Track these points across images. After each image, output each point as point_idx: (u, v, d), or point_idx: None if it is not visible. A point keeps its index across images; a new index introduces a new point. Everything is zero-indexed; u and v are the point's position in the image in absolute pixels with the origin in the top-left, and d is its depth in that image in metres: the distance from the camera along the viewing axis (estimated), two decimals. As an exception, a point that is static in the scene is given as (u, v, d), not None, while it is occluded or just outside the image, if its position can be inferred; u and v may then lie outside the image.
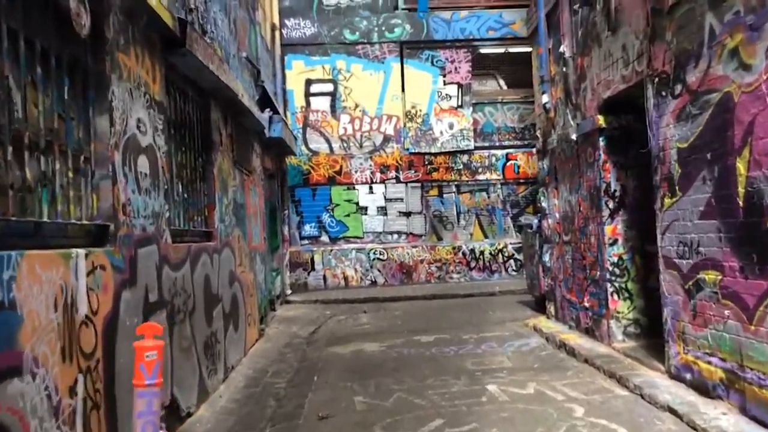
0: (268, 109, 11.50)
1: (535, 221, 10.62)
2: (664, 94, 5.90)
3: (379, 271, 15.74)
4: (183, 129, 6.70)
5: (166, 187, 5.70)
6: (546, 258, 9.92)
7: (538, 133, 10.11)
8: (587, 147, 7.92)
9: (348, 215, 16.00)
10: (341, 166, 15.99)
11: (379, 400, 6.31)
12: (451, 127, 16.13)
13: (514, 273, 15.79)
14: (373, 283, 15.71)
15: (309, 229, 15.94)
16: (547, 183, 9.71)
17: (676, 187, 5.73)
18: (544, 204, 9.94)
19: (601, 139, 7.54)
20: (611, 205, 7.53)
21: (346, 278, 15.70)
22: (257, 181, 11.04)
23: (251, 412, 6.24)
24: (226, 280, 7.98)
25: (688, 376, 5.63)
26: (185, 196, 6.72)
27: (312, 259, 15.66)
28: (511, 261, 15.85)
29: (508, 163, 16.19)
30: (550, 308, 9.83)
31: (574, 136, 8.28)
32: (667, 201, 5.92)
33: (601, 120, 7.48)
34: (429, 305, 13.21)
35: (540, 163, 10.11)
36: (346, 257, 15.71)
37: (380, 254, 15.76)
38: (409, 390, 6.59)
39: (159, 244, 5.42)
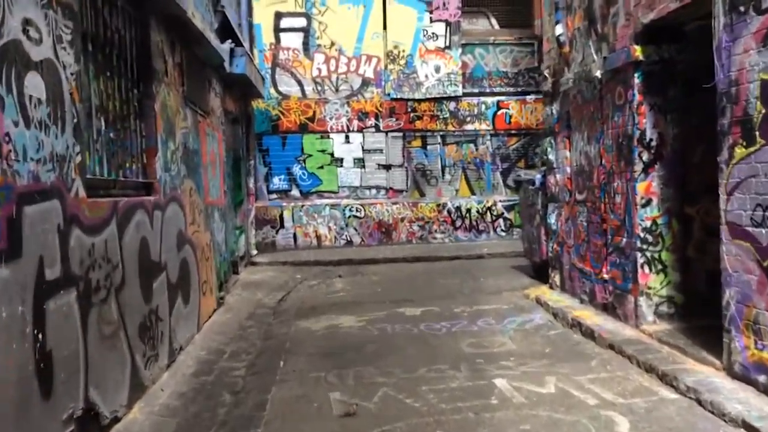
0: (229, 41, 9.85)
1: (538, 176, 9.26)
2: (742, 9, 4.48)
3: (355, 229, 14.32)
4: (109, 48, 5.11)
5: (76, 120, 4.17)
6: (551, 219, 8.59)
7: (545, 73, 8.65)
8: (616, 86, 6.50)
9: (321, 167, 14.46)
10: (314, 112, 14.36)
11: (361, 399, 4.99)
12: (437, 70, 14.55)
13: (503, 234, 14.50)
14: (349, 242, 14.30)
15: (278, 182, 14.37)
16: (557, 132, 8.31)
17: (756, 133, 4.37)
18: (550, 156, 8.56)
19: (636, 75, 6.12)
20: (645, 157, 6.17)
21: (318, 237, 14.25)
22: (216, 124, 9.46)
23: (198, 414, 4.89)
24: (172, 242, 6.51)
25: (762, 378, 4.37)
26: (112, 136, 5.19)
27: (281, 216, 14.14)
28: (500, 220, 14.53)
29: (499, 112, 14.70)
30: (555, 277, 8.56)
31: (598, 73, 6.85)
32: (739, 151, 4.56)
33: (638, 51, 6.05)
34: (412, 269, 11.89)
35: (547, 109, 8.69)
36: (319, 214, 14.23)
37: (357, 211, 14.31)
38: (398, 385, 5.28)
39: (64, 199, 3.93)
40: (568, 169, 7.97)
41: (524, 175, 9.92)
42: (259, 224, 13.95)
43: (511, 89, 14.80)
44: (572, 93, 7.71)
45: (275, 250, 13.96)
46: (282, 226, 14.14)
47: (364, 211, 14.31)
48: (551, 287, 8.67)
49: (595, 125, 7.07)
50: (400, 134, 14.57)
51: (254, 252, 13.02)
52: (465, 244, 14.15)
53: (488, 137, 14.77)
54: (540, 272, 9.76)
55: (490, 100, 14.68)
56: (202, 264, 7.98)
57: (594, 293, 7.23)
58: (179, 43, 7.08)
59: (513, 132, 14.82)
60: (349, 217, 14.28)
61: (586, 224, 7.41)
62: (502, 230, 14.51)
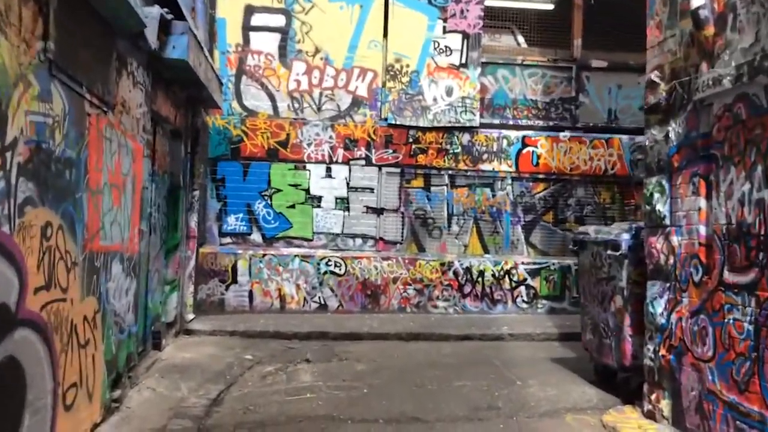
0: (166, 10, 6.65)
1: (626, 237, 6.07)
2: None
3: (332, 290, 10.92)
4: None
5: None
6: (656, 307, 5.36)
7: (653, 77, 5.55)
8: None
9: (292, 206, 11.15)
10: (288, 135, 11.13)
11: None
12: (449, 92, 11.45)
13: (524, 305, 11.20)
14: (323, 306, 10.88)
15: (234, 222, 10.98)
16: (676, 167, 5.18)
17: None
18: (660, 207, 5.38)
19: None
20: None
21: (282, 298, 10.81)
22: (132, 129, 6.18)
23: None
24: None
25: None
26: None
27: (234, 267, 10.69)
28: (522, 288, 11.23)
29: (525, 150, 11.58)
30: (659, 402, 5.28)
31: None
32: None
33: None
34: (409, 352, 8.53)
35: (653, 131, 5.56)
36: (285, 267, 10.82)
37: (336, 266, 10.95)
38: None
39: None
40: (703, 230, 4.80)
41: (595, 234, 6.70)
42: (205, 276, 10.51)
43: (541, 123, 11.74)
44: (722, 102, 4.60)
45: (223, 312, 10.49)
46: (235, 280, 10.68)
47: (345, 266, 10.96)
48: (649, 416, 5.38)
49: (786, 153, 3.94)
50: (398, 170, 11.36)
51: (190, 316, 9.53)
52: (476, 317, 10.81)
53: (509, 181, 11.60)
54: (606, 377, 6.55)
55: (513, 134, 11.59)
56: (70, 355, 4.59)
57: (772, 458, 3.97)
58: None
59: (540, 176, 11.67)
60: (325, 273, 10.90)
61: (753, 329, 4.19)
62: (523, 301, 11.21)
